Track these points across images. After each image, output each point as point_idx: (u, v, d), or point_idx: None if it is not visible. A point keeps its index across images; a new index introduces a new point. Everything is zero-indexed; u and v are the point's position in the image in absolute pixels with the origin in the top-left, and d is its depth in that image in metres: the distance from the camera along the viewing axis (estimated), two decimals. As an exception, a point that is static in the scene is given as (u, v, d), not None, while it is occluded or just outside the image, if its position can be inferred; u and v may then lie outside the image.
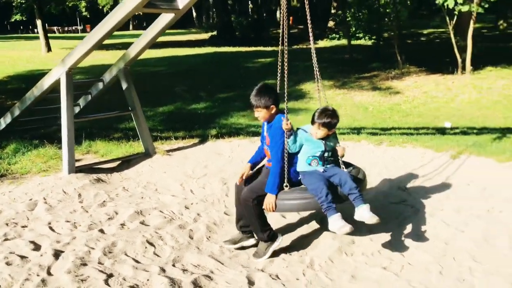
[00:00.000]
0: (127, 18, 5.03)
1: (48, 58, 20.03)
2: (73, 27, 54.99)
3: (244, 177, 3.90)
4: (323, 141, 3.74)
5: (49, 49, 22.45)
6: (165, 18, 5.57)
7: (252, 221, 3.74)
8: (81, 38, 36.98)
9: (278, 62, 3.82)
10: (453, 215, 4.48)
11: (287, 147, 3.61)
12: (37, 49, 23.59)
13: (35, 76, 13.92)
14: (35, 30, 45.33)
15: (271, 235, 3.78)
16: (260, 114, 3.70)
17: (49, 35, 24.67)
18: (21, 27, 53.46)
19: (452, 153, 6.14)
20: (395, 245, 3.97)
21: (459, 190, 5.10)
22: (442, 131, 7.66)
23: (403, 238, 4.09)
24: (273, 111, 3.69)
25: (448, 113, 9.29)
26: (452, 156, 6.05)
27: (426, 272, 3.52)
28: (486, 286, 3.28)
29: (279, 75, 3.79)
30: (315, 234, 4.25)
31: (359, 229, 3.99)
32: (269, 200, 3.55)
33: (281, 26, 3.84)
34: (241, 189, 3.88)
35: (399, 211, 4.68)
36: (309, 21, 3.94)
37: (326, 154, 3.76)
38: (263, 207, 3.61)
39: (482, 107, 9.68)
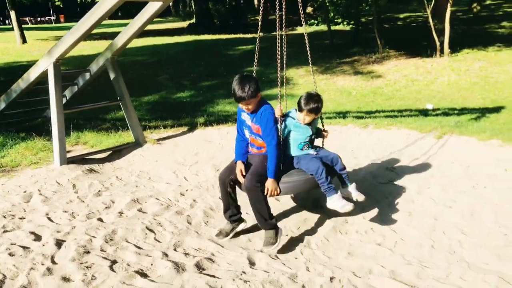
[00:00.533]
0: (115, 7, 5.00)
1: (24, 49, 19.57)
2: (46, 18, 53.58)
3: (244, 174, 3.74)
4: (310, 126, 3.88)
5: (24, 40, 21.91)
6: (153, 6, 5.55)
7: (259, 209, 3.63)
8: (56, 28, 35.87)
9: (256, 49, 3.83)
10: (440, 193, 4.68)
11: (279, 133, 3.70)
12: (11, 41, 22.99)
13: (13, 68, 13.68)
14: (6, 21, 44.09)
15: (276, 221, 3.77)
16: (250, 105, 3.61)
17: (23, 26, 24.05)
18: (-9, 19, 51.88)
19: (436, 134, 6.34)
20: (386, 222, 4.15)
21: (444, 168, 5.31)
22: (424, 112, 7.88)
23: (394, 216, 4.26)
24: (259, 98, 3.66)
25: (429, 95, 9.52)
26: (436, 137, 6.26)
27: (418, 247, 3.70)
28: (475, 258, 3.46)
29: (256, 62, 3.83)
30: (308, 215, 4.38)
31: (352, 208, 4.15)
32: (273, 185, 3.60)
33: (259, 12, 3.91)
34: (226, 181, 3.84)
35: (388, 190, 4.85)
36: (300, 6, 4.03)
37: (313, 137, 3.97)
38: (265, 193, 3.62)
39: (461, 89, 9.94)
